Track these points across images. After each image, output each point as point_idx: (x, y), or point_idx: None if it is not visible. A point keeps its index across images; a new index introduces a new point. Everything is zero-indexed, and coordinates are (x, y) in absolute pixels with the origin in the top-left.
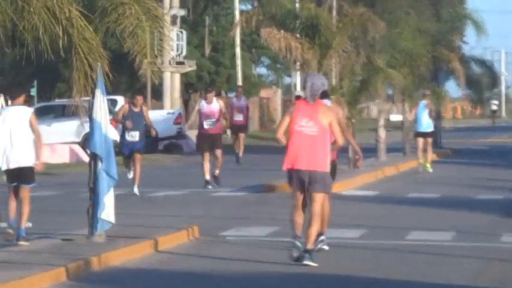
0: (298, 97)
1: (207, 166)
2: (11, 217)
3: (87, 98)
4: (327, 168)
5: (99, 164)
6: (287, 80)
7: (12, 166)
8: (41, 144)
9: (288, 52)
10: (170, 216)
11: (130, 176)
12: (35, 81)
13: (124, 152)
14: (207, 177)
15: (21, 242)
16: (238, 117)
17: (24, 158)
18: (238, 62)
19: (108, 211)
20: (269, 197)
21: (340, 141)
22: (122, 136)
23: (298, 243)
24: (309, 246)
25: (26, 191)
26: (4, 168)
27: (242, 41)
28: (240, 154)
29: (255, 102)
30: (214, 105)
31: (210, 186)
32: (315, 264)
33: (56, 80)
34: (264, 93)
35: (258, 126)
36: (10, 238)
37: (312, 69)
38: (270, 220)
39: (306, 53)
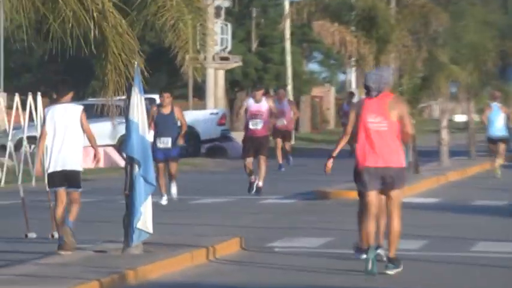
0: (351, 93)
1: (250, 169)
2: (55, 227)
3: (123, 97)
4: (403, 163)
5: (136, 169)
6: (341, 77)
7: (60, 168)
8: (95, 144)
9: (343, 47)
10: (212, 225)
11: (164, 202)
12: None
13: (158, 157)
14: (253, 178)
15: (62, 252)
16: (281, 122)
17: (73, 161)
18: (288, 57)
19: (145, 220)
20: (321, 204)
21: (410, 131)
22: (153, 143)
23: (373, 255)
24: (392, 254)
25: (76, 195)
26: (51, 170)
27: (292, 34)
28: (283, 168)
29: (307, 102)
30: (263, 104)
31: (255, 187)
32: (393, 272)
33: (90, 77)
34: (316, 91)
35: (309, 128)
36: (68, 249)
37: (368, 65)
38: (323, 230)
39: (362, 48)
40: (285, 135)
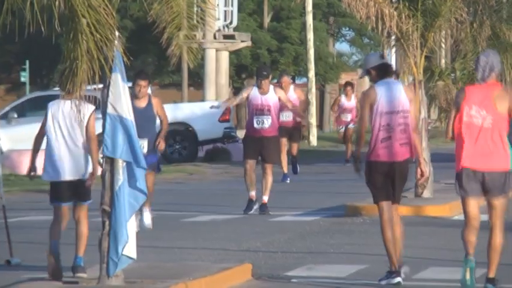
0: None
1: (251, 178)
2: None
3: (99, 86)
4: (509, 165)
5: (120, 177)
6: None
7: (64, 178)
8: (96, 150)
9: (380, 22)
10: (213, 249)
11: (147, 222)
12: (27, 63)
13: None
14: (252, 193)
15: (79, 274)
16: (287, 117)
17: (80, 168)
18: (310, 35)
19: (128, 243)
20: (351, 223)
21: None
22: None
23: (472, 263)
24: (492, 273)
25: (84, 210)
26: (50, 179)
27: (315, 6)
28: (288, 179)
29: (333, 92)
30: (270, 95)
31: (255, 207)
32: None
33: (56, 61)
34: (345, 78)
35: (335, 124)
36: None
37: (412, 45)
38: (353, 255)
39: (405, 23)
40: (292, 133)
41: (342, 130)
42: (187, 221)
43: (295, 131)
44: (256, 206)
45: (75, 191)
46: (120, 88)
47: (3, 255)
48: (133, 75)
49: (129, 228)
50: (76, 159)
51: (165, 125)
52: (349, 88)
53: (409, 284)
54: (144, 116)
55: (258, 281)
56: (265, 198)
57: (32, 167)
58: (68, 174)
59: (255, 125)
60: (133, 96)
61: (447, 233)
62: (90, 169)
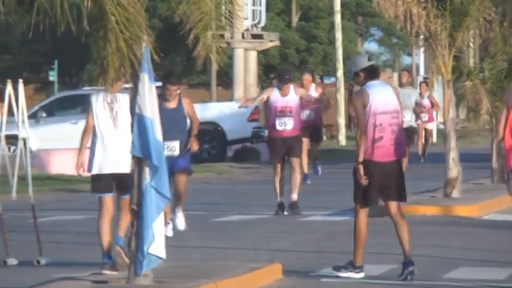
0: (424, 82)
1: (279, 182)
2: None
3: (128, 86)
4: None
5: (147, 178)
6: (406, 60)
7: (109, 171)
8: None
9: (408, 21)
10: (243, 249)
11: (169, 233)
12: (55, 62)
13: None
14: (280, 199)
15: (105, 271)
16: (308, 115)
17: (125, 161)
18: (339, 34)
19: (157, 242)
20: (381, 223)
21: None
22: None
23: None
24: None
25: (127, 203)
26: (95, 172)
27: (344, 5)
28: (308, 179)
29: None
30: (291, 97)
31: (285, 213)
32: None
33: (85, 60)
34: None
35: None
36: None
37: (441, 44)
38: (382, 255)
39: (433, 23)
40: (314, 132)
41: None
42: (216, 221)
43: (315, 131)
44: (285, 213)
45: (120, 183)
46: (146, 88)
47: (32, 254)
48: (162, 75)
49: (157, 228)
50: (122, 151)
51: (196, 126)
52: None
53: (439, 284)
54: (174, 117)
55: (288, 280)
56: (295, 196)
57: (81, 163)
58: (113, 167)
59: (278, 127)
60: (163, 97)
61: (476, 233)
62: None
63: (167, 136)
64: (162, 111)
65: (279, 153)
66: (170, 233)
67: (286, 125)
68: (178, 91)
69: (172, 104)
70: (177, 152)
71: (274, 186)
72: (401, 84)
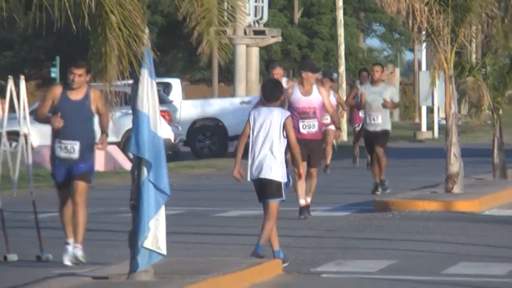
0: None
1: (302, 185)
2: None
3: (129, 82)
4: None
5: (145, 173)
6: (408, 55)
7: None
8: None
9: (410, 17)
10: (243, 245)
11: (66, 262)
12: (57, 59)
13: (55, 176)
14: (302, 202)
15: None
16: (326, 119)
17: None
18: (341, 30)
19: (156, 238)
20: (381, 218)
21: None
22: (51, 149)
23: None
24: None
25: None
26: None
27: (346, 1)
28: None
29: None
30: (314, 96)
31: (309, 216)
32: None
33: (85, 56)
34: None
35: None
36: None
37: (443, 40)
38: (382, 250)
39: (436, 18)
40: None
41: (358, 128)
42: (216, 216)
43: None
44: (309, 216)
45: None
46: (145, 85)
47: (33, 250)
48: (69, 61)
49: (159, 224)
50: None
51: (105, 122)
52: (364, 74)
53: (439, 279)
54: (77, 111)
55: (288, 276)
56: (308, 200)
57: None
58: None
59: (301, 129)
60: (67, 86)
61: (477, 228)
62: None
63: (65, 134)
64: (64, 102)
65: (302, 155)
66: (67, 262)
67: (310, 128)
68: (87, 78)
69: (76, 95)
70: (76, 155)
71: (296, 188)
72: (373, 81)
